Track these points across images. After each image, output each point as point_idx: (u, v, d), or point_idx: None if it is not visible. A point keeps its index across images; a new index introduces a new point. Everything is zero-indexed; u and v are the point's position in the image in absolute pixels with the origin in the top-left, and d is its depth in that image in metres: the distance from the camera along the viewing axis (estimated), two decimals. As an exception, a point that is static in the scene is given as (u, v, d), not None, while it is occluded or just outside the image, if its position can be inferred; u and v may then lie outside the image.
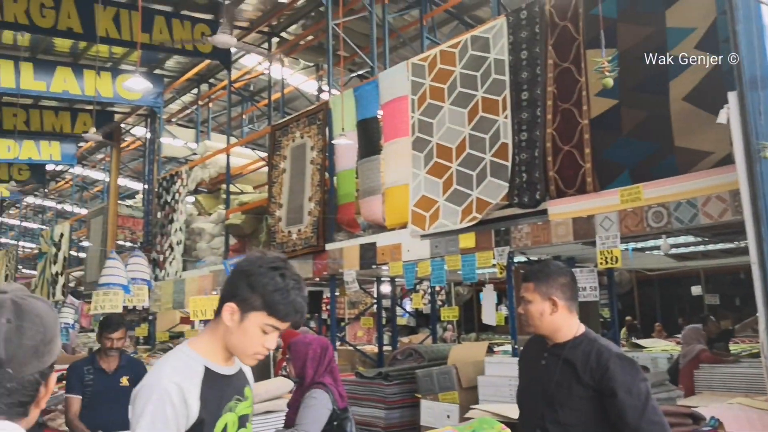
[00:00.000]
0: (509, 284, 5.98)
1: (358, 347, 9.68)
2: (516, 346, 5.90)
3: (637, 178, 4.89)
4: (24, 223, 26.05)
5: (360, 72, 11.98)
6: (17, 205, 24.61)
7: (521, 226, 5.73)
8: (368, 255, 7.36)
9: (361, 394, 6.29)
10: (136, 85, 8.56)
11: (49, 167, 18.60)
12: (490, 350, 6.84)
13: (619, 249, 4.93)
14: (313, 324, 13.57)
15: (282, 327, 1.71)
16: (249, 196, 11.44)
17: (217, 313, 1.75)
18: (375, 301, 9.78)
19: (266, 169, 10.10)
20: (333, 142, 8.14)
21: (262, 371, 7.18)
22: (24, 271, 23.61)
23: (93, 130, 9.50)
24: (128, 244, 16.14)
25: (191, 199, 12.55)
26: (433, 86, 6.74)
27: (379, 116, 7.67)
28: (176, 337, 12.25)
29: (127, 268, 8.11)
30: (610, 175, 5.11)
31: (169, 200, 12.15)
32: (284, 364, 7.41)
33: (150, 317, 11.84)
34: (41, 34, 10.28)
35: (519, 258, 6.55)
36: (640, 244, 6.47)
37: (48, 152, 15.48)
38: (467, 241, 6.12)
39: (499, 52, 6.14)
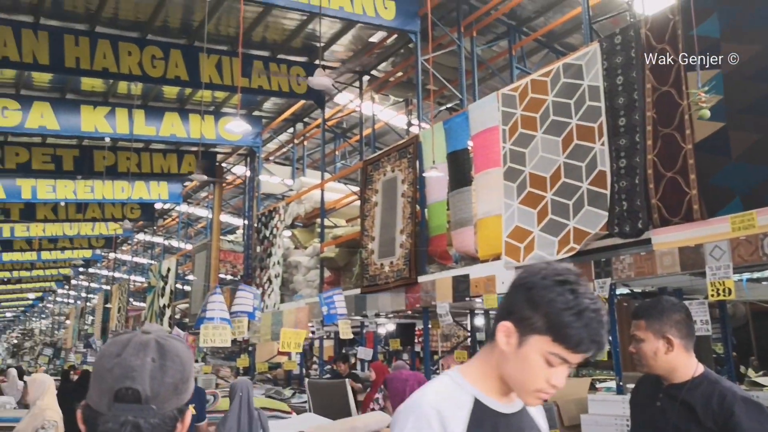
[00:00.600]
0: (612, 318, 5.72)
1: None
2: (621, 383, 5.61)
3: (749, 205, 4.59)
4: (135, 259, 27.82)
5: (449, 105, 12.06)
6: (129, 242, 26.35)
7: (623, 257, 5.50)
8: (461, 287, 7.30)
9: (457, 429, 6.17)
10: (236, 128, 9.05)
11: (158, 206, 19.86)
12: (592, 387, 6.54)
13: (732, 280, 4.62)
14: (406, 357, 13.52)
15: (572, 360, 1.33)
16: (342, 230, 11.69)
17: (491, 333, 1.43)
18: (469, 334, 9.64)
19: (359, 202, 10.30)
20: (424, 174, 8.20)
21: (340, 405, 7.22)
22: (135, 303, 25.12)
23: (198, 170, 10.09)
24: (229, 277, 16.84)
25: (288, 233, 12.98)
26: (524, 116, 6.67)
27: (469, 148, 7.67)
28: (274, 367, 12.57)
29: (234, 301, 8.46)
30: (720, 201, 4.82)
31: (267, 235, 12.62)
32: (376, 396, 7.41)
33: (250, 348, 12.22)
34: (152, 83, 11.11)
35: (621, 290, 6.27)
36: (755, 275, 6.04)
37: (157, 192, 16.56)
38: (565, 272, 5.92)
39: (593, 78, 6.01)
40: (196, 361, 13.32)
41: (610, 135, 5.76)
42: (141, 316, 19.32)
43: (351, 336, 8.83)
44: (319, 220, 12.03)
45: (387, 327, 13.48)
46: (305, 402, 8.37)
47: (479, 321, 9.33)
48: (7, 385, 9.78)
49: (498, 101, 7.01)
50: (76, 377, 10.57)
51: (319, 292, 11.01)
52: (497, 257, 6.69)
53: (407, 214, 8.62)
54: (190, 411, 1.08)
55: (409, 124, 12.86)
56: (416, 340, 13.76)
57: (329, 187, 12.10)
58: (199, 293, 15.23)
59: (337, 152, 15.61)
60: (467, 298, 7.20)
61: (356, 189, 11.58)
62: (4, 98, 11.49)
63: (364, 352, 9.70)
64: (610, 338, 6.14)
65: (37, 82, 11.74)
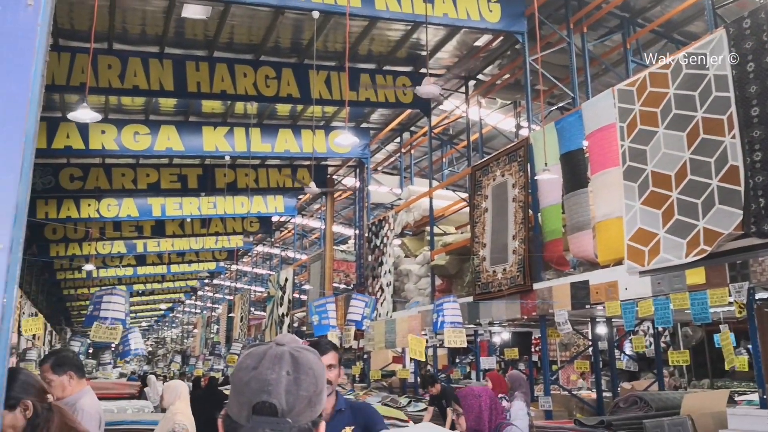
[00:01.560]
0: (751, 325, 5.25)
1: (573, 392, 9.16)
2: (765, 396, 5.12)
3: None
4: (255, 270, 29.16)
5: (560, 104, 11.68)
6: (249, 254, 27.67)
7: (762, 258, 5.04)
8: (580, 294, 6.99)
9: (581, 443, 5.90)
10: (345, 141, 9.28)
11: (274, 219, 20.73)
12: (731, 400, 6.03)
13: None
14: (522, 366, 13.17)
15: None
16: (452, 237, 11.61)
17: None
18: (590, 343, 9.22)
19: (468, 209, 10.18)
20: (536, 177, 7.96)
21: None
22: (255, 312, 26.31)
23: (312, 183, 10.43)
24: (342, 286, 17.21)
25: (398, 242, 13.07)
26: (643, 111, 6.30)
27: (584, 147, 7.37)
28: (388, 375, 12.67)
29: (349, 310, 8.65)
30: None
31: (378, 244, 12.79)
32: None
33: (365, 356, 12.40)
34: (266, 102, 11.64)
35: (761, 295, 5.75)
36: None
37: (273, 205, 17.30)
38: (696, 276, 5.53)
39: (719, 67, 5.58)
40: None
41: (742, 127, 5.31)
42: (262, 325, 20.18)
43: (460, 345, 8.69)
44: (428, 228, 12.02)
45: (502, 335, 13.20)
46: (421, 411, 8.36)
47: (601, 329, 8.90)
48: (149, 390, 10.61)
49: (614, 97, 6.68)
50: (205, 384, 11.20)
51: (431, 300, 10.98)
52: (619, 262, 6.35)
53: (519, 219, 8.41)
54: (324, 423, 1.07)
55: (518, 127, 12.59)
56: (533, 349, 13.36)
57: (437, 194, 12.07)
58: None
59: (444, 159, 15.57)
60: (587, 306, 6.89)
61: (465, 196, 11.47)
62: (136, 124, 12.47)
63: (487, 362, 9.61)
64: (751, 347, 5.64)
65: (163, 107, 12.65)
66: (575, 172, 7.43)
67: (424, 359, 9.45)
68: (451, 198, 12.38)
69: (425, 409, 8.15)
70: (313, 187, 10.53)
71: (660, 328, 8.54)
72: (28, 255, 17.57)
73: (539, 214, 8.07)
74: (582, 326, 9.26)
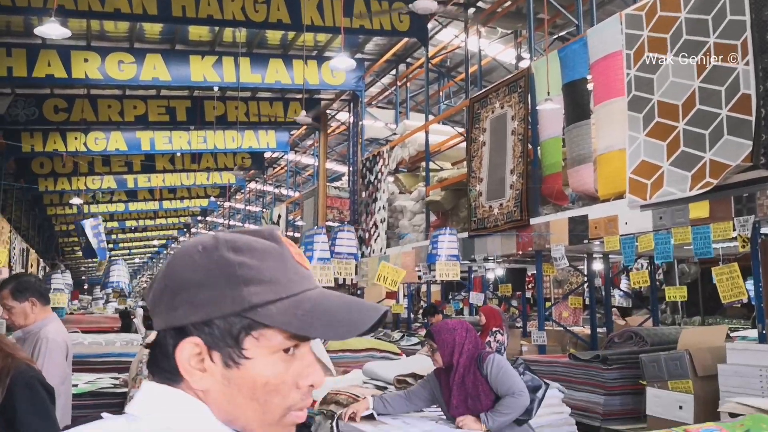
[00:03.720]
0: (755, 259, 5.11)
1: (567, 328, 9.16)
2: (765, 331, 5.03)
3: None
4: (248, 207, 28.97)
5: (562, 33, 11.22)
6: (242, 191, 27.41)
7: (771, 191, 4.85)
8: (579, 229, 6.83)
9: (575, 377, 5.85)
10: (340, 64, 8.91)
11: (267, 155, 20.35)
12: (726, 337, 5.97)
13: None
14: (515, 303, 13.21)
15: None
16: (448, 173, 11.39)
17: None
18: (585, 279, 9.15)
19: (464, 145, 9.91)
20: (537, 107, 7.67)
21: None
22: (249, 249, 26.20)
23: (303, 113, 10.09)
24: (336, 224, 17.07)
25: (392, 178, 12.84)
26: (652, 37, 5.98)
27: (588, 77, 7.06)
28: (382, 311, 12.69)
29: (336, 242, 8.46)
30: None
31: (372, 180, 12.56)
32: (487, 340, 7.21)
33: (358, 291, 12.36)
34: (255, 28, 11.12)
35: (767, 229, 5.60)
36: None
37: (265, 140, 16.91)
38: (699, 210, 5.35)
39: (736, -12, 5.23)
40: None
41: (756, 53, 5.02)
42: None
43: (453, 278, 8.58)
44: (423, 164, 11.77)
45: (496, 272, 13.17)
46: (414, 345, 8.34)
47: (597, 265, 8.81)
48: (137, 321, 10.58)
49: (621, 23, 6.33)
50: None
51: (425, 236, 10.85)
52: (620, 196, 6.17)
53: (518, 153, 8.16)
54: (195, 341, 0.78)
55: (519, 58, 12.16)
56: (527, 286, 13.37)
57: (434, 129, 11.76)
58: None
59: (441, 93, 15.15)
60: (585, 241, 6.74)
61: (462, 130, 11.16)
62: (120, 52, 11.95)
63: (476, 297, 9.54)
64: (752, 282, 5.52)
65: (148, 34, 12.10)
66: (578, 102, 7.15)
67: (395, 289, 9.47)
68: (448, 133, 12.08)
69: (418, 344, 8.13)
70: (305, 117, 10.21)
71: (655, 264, 8.46)
72: (16, 188, 17.27)
73: (539, 148, 7.83)
74: (577, 262, 9.17)
